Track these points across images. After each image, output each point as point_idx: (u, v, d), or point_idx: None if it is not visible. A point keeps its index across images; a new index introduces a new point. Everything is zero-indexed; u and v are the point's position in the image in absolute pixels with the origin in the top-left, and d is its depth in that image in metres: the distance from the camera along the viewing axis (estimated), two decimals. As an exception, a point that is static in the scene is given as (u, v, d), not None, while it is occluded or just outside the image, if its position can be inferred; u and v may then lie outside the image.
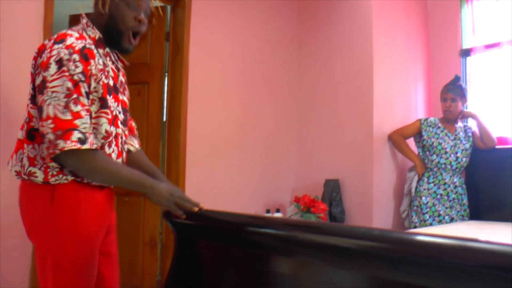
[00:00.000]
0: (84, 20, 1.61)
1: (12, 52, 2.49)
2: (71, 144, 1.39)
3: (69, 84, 1.42)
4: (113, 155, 1.59)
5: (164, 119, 3.45)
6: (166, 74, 3.38)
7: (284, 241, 1.37)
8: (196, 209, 1.55)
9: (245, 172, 3.60)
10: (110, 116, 1.55)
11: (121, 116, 1.64)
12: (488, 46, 3.48)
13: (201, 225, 1.61)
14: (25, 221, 1.55)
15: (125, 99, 1.73)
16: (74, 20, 3.68)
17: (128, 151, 1.82)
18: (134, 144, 1.87)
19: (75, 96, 1.42)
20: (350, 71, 3.58)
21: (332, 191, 3.46)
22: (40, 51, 1.50)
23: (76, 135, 1.40)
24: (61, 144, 1.39)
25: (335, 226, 1.35)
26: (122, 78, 1.72)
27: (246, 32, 3.68)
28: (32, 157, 1.49)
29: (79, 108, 1.42)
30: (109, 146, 1.57)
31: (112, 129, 1.57)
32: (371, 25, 3.44)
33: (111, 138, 1.57)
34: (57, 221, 1.48)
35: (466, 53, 3.69)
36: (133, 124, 1.91)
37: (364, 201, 3.40)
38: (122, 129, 1.65)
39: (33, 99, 1.51)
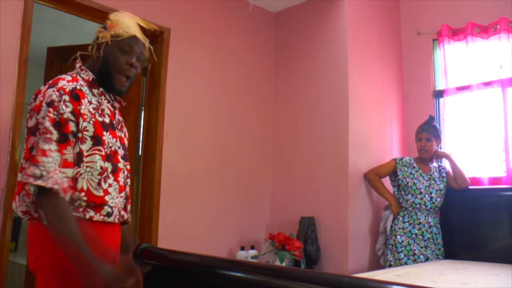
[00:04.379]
0: (78, 65, 1.72)
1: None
2: (25, 177, 1.42)
3: (48, 124, 1.48)
4: (111, 190, 1.62)
5: (140, 153, 3.42)
6: (143, 109, 3.37)
7: (254, 286, 1.35)
8: None
9: (220, 209, 3.57)
10: (103, 153, 1.60)
11: (121, 151, 1.70)
12: (460, 89, 3.58)
13: (169, 267, 1.58)
14: (29, 257, 1.59)
15: (123, 135, 1.79)
16: (52, 52, 3.67)
17: None
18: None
19: (48, 136, 1.47)
20: (326, 109, 3.63)
21: (307, 228, 3.45)
22: (36, 96, 1.57)
23: (31, 170, 1.43)
24: (19, 176, 1.45)
25: (304, 272, 1.33)
26: (118, 117, 1.79)
27: (223, 69, 3.72)
28: None
29: (48, 147, 1.46)
30: (105, 181, 1.60)
31: (107, 165, 1.61)
32: (347, 65, 3.51)
33: (106, 173, 1.61)
34: (56, 261, 1.50)
35: (439, 94, 3.78)
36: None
37: (340, 239, 3.38)
38: (123, 163, 1.71)
39: None
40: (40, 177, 1.42)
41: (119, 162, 1.67)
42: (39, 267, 1.54)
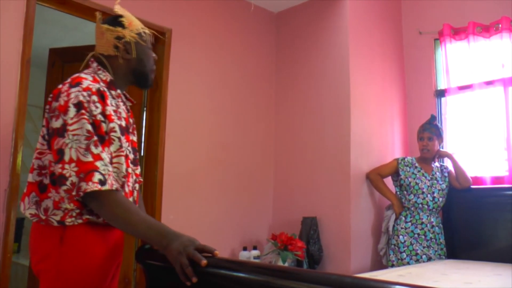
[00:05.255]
0: (95, 64, 1.66)
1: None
2: (92, 185, 1.40)
3: (89, 127, 1.45)
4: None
5: (142, 154, 3.43)
6: (145, 109, 3.38)
7: (256, 286, 1.35)
8: (204, 262, 1.35)
9: (222, 209, 3.58)
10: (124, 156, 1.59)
11: (131, 156, 1.68)
12: (461, 88, 3.58)
13: (172, 268, 1.58)
14: (32, 259, 1.56)
15: (135, 139, 1.76)
16: (53, 53, 3.68)
17: None
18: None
19: (95, 138, 1.45)
20: (328, 109, 3.63)
21: (310, 228, 3.45)
22: (55, 95, 1.53)
23: (97, 176, 1.41)
24: (84, 186, 1.40)
25: (306, 273, 1.33)
26: (130, 119, 1.76)
27: (224, 69, 3.73)
28: (57, 201, 1.50)
29: (99, 150, 1.45)
30: (127, 184, 1.60)
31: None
32: (348, 65, 3.51)
33: (126, 178, 1.60)
34: (61, 263, 1.48)
35: (440, 93, 3.78)
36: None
37: (342, 239, 3.38)
38: (132, 168, 1.68)
39: (49, 143, 1.52)
40: (105, 182, 1.42)
41: (129, 167, 1.64)
42: (42, 269, 1.52)
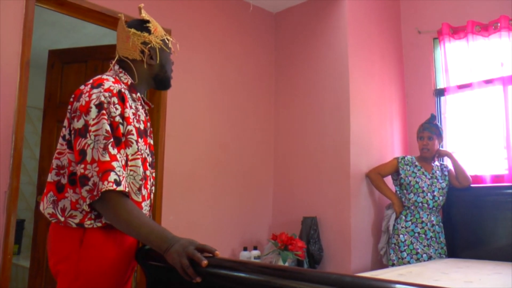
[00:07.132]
0: (117, 67, 1.68)
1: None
2: (108, 185, 1.40)
3: (108, 127, 1.46)
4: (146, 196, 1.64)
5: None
6: (144, 110, 3.38)
7: (256, 286, 1.35)
8: (204, 262, 1.35)
9: (222, 209, 3.58)
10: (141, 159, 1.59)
11: (149, 159, 1.69)
12: (461, 87, 3.58)
13: (172, 268, 1.58)
14: (51, 259, 1.57)
15: (152, 142, 1.77)
16: (53, 55, 3.68)
17: None
18: None
19: (112, 140, 1.46)
20: (327, 109, 3.63)
21: (310, 228, 3.45)
22: (77, 96, 1.54)
23: (112, 176, 1.42)
24: (100, 185, 1.40)
25: (307, 272, 1.33)
26: (148, 123, 1.77)
27: (224, 69, 3.73)
28: (74, 201, 1.51)
29: (116, 151, 1.46)
30: (145, 187, 1.61)
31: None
32: (348, 64, 3.51)
33: (144, 180, 1.61)
34: (80, 265, 1.48)
35: (440, 93, 3.79)
36: None
37: (342, 239, 3.38)
38: (150, 171, 1.69)
39: (69, 143, 1.53)
40: (120, 182, 1.43)
41: (147, 169, 1.65)
42: (61, 271, 1.52)
